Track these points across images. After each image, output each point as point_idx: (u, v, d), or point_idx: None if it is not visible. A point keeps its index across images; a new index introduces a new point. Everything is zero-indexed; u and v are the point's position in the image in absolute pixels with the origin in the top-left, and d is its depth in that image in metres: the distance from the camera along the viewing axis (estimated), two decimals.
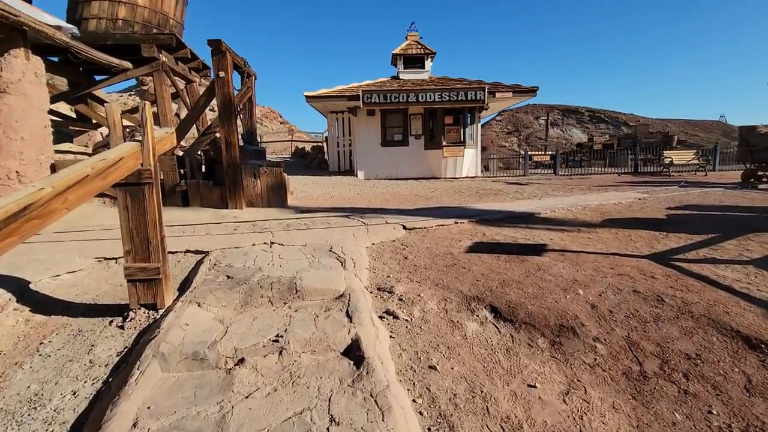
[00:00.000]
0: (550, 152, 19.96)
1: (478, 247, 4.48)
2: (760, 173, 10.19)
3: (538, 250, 4.33)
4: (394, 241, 4.76)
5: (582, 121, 61.79)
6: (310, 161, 17.96)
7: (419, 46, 14.45)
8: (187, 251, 4.20)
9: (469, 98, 12.35)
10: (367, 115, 13.53)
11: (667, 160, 13.91)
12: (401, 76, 14.55)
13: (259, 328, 2.49)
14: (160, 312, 2.83)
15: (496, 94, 12.65)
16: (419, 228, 5.27)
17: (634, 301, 2.98)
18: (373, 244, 4.62)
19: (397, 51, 14.36)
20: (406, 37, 14.85)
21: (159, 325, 2.52)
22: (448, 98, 12.37)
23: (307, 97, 12.88)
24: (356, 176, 13.91)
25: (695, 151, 14.36)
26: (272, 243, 4.46)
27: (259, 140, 23.37)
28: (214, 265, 3.66)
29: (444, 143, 13.12)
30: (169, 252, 3.55)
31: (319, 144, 21.77)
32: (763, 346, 2.37)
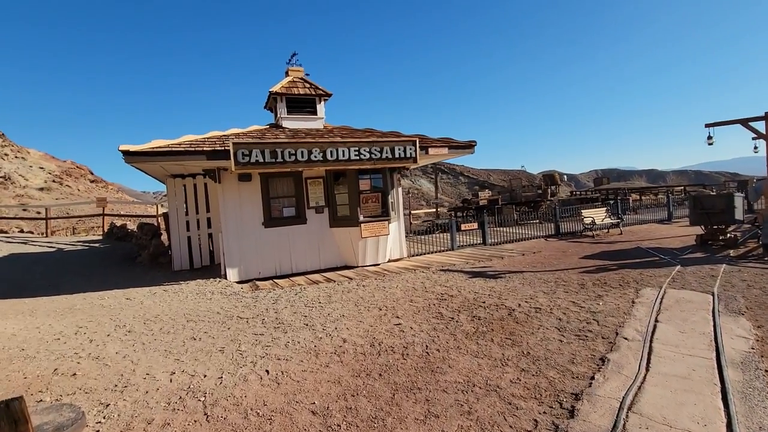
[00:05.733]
0: (471, 212, 17.79)
1: None
2: (720, 235, 9.22)
3: None
4: None
5: (426, 172, 66.41)
6: (139, 251, 11.39)
7: (308, 85, 10.41)
8: None
9: (396, 155, 8.74)
10: (239, 181, 8.56)
11: (587, 220, 12.81)
12: (284, 123, 10.14)
13: None
14: None
15: (429, 150, 9.41)
16: None
17: None
18: None
19: (276, 89, 9.98)
20: (287, 72, 10.67)
21: None
22: (368, 156, 8.50)
23: (126, 153, 7.21)
24: (226, 278, 8.53)
25: (606, 208, 13.78)
26: None
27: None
28: None
29: (361, 218, 9.06)
30: None
31: (151, 221, 14.96)
32: None
